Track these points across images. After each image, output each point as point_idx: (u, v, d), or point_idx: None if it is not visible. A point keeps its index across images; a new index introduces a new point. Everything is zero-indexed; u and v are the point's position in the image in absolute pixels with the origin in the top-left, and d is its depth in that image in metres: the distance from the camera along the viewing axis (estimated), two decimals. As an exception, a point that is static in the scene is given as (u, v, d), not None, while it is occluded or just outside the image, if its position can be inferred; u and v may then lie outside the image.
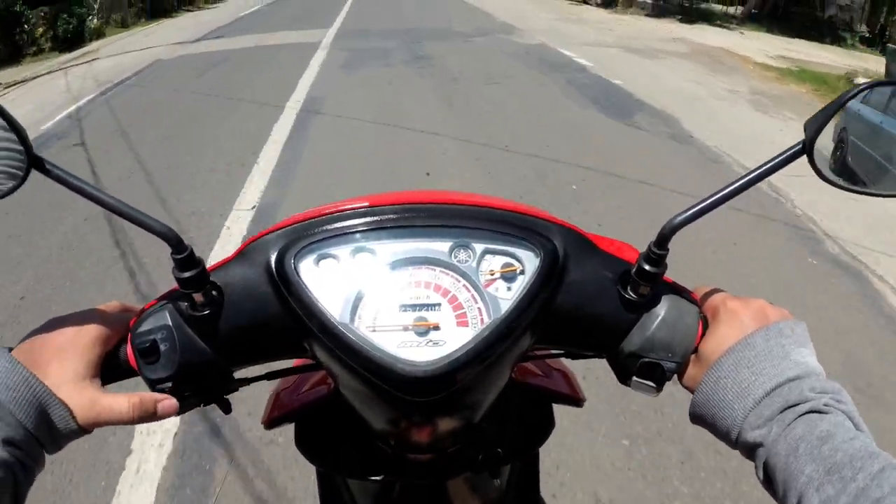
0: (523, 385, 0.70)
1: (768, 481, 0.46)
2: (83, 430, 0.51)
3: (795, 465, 0.42)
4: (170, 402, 0.53)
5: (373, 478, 0.67)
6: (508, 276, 0.51)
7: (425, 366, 0.47)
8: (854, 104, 0.53)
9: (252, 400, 2.00)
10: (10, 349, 0.49)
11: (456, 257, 0.52)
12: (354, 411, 0.59)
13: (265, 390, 0.73)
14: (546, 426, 0.71)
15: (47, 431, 0.48)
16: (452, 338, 0.49)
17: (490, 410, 0.59)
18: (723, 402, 0.49)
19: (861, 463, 0.40)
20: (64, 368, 0.49)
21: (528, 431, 0.69)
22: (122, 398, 0.51)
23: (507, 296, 0.50)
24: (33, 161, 0.47)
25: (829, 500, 0.40)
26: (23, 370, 0.47)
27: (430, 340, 0.49)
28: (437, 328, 0.49)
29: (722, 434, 0.50)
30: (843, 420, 0.44)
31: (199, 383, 0.54)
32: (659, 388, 0.54)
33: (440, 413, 0.52)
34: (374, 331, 0.49)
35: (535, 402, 0.71)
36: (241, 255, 0.53)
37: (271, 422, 0.71)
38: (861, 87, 0.54)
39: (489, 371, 0.51)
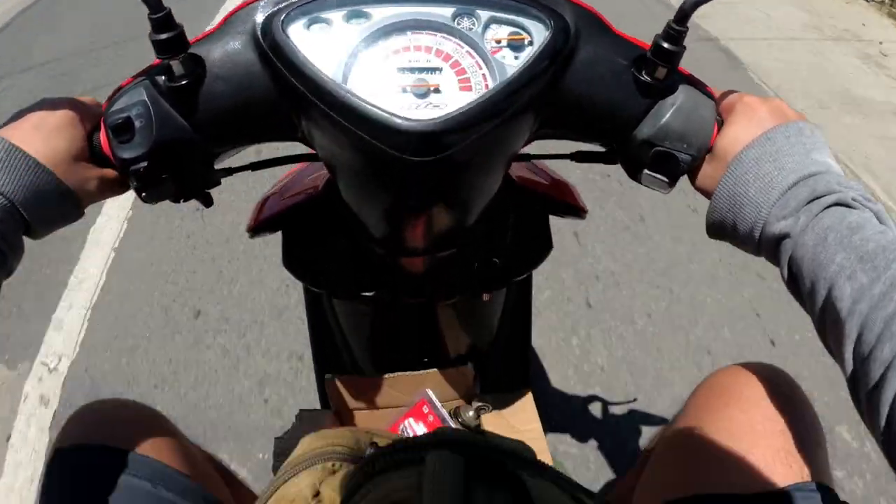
0: (522, 189, 0.67)
1: (793, 279, 0.44)
2: (80, 210, 0.49)
3: (825, 254, 0.40)
4: None
5: (362, 294, 0.66)
6: (515, 45, 0.47)
7: (426, 122, 0.43)
8: None
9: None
10: None
11: (459, 24, 0.48)
12: (347, 210, 0.56)
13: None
14: (543, 244, 0.69)
15: (39, 212, 0.46)
16: (454, 100, 0.45)
17: (485, 215, 0.57)
18: (745, 196, 0.46)
19: (894, 254, 0.38)
20: (54, 145, 0.46)
21: (525, 250, 0.68)
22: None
23: (514, 63, 0.47)
24: None
25: (862, 289, 0.37)
26: (15, 148, 0.44)
27: (430, 103, 0.45)
28: (437, 90, 0.46)
29: (745, 233, 0.47)
30: (871, 216, 0.42)
31: (177, 165, 0.50)
32: (672, 183, 0.52)
33: (436, 192, 0.50)
34: (370, 92, 0.45)
35: (533, 217, 0.69)
36: (225, 24, 0.49)
37: (256, 227, 0.68)
38: None
39: (490, 148, 0.48)
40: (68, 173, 0.47)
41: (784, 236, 0.44)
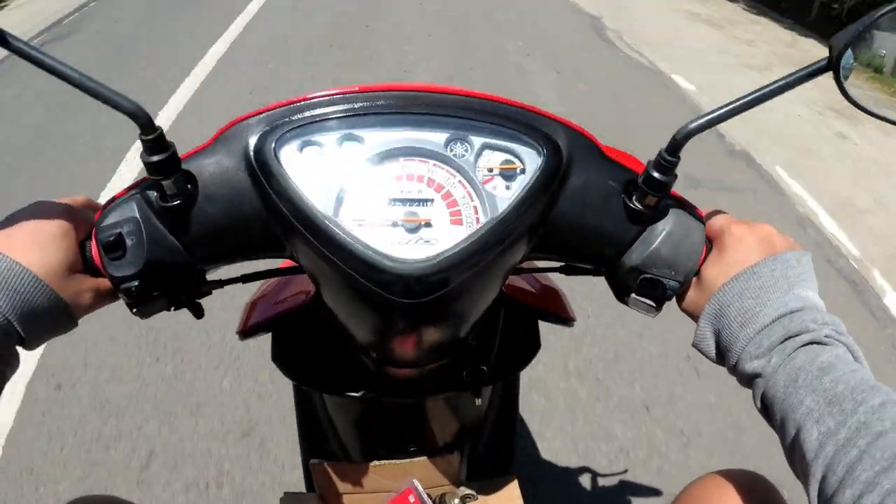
0: (512, 300, 0.68)
1: (765, 411, 0.45)
2: (74, 322, 0.49)
3: (795, 395, 0.42)
4: None
5: (351, 394, 0.65)
6: (508, 174, 0.48)
7: (415, 264, 0.43)
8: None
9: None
10: None
11: (452, 151, 0.48)
12: (335, 320, 0.56)
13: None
14: (532, 346, 0.69)
15: (34, 325, 0.45)
16: (445, 236, 0.45)
17: (477, 325, 0.57)
18: (725, 329, 0.47)
19: (862, 396, 0.39)
20: (48, 257, 0.46)
21: (513, 351, 0.68)
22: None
23: (506, 195, 0.47)
24: None
25: (828, 433, 0.39)
26: (7, 259, 0.44)
27: (421, 238, 0.45)
28: (428, 225, 0.46)
29: (721, 360, 0.49)
30: (844, 352, 0.43)
31: (168, 283, 0.50)
32: (658, 308, 0.52)
33: (426, 321, 0.49)
34: (360, 225, 0.45)
35: (523, 319, 0.69)
36: (217, 141, 0.49)
37: (246, 331, 0.68)
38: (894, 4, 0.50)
39: (481, 277, 0.48)
40: (63, 286, 0.47)
41: (757, 375, 0.45)
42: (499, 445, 0.91)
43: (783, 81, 0.46)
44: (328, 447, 0.86)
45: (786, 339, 0.44)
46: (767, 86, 0.46)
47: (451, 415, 0.79)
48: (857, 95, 0.50)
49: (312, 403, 0.84)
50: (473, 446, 0.86)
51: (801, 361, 0.43)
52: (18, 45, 0.42)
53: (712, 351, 0.49)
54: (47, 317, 0.46)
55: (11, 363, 0.45)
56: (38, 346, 0.47)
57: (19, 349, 0.46)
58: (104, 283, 0.50)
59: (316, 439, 0.87)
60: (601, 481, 1.42)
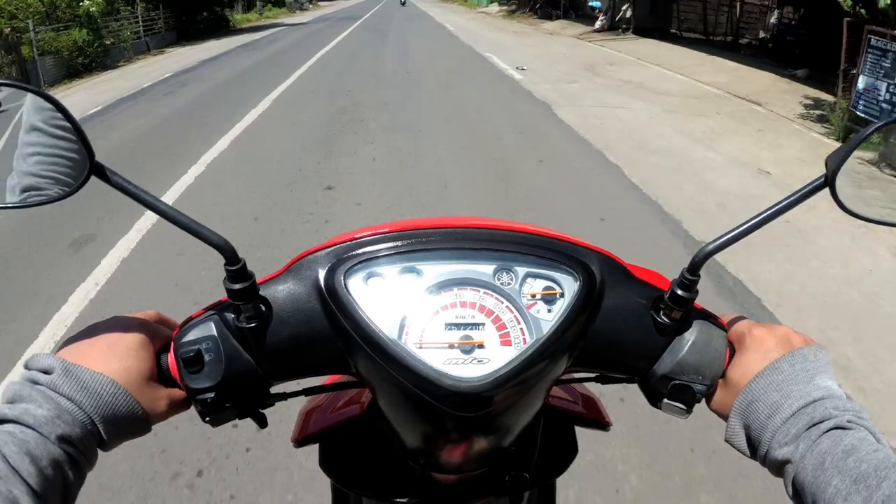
0: (551, 408, 0.71)
1: (797, 496, 0.48)
2: (149, 427, 0.53)
3: (823, 478, 0.44)
4: None
5: (396, 500, 0.68)
6: (549, 299, 0.53)
7: (471, 381, 0.48)
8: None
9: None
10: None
11: (499, 279, 0.54)
12: (387, 429, 0.60)
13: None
14: (569, 451, 0.72)
15: (114, 429, 0.49)
16: (496, 356, 0.50)
17: (518, 435, 0.60)
18: (754, 422, 0.51)
19: (885, 472, 0.42)
20: (127, 367, 0.51)
21: (552, 456, 0.70)
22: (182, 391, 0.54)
23: (548, 317, 0.52)
24: (94, 168, 0.49)
25: None
26: (93, 373, 0.49)
27: (475, 358, 0.50)
28: (481, 346, 0.51)
29: (752, 452, 0.52)
30: (866, 435, 0.47)
31: (239, 396, 0.55)
32: (689, 410, 0.56)
33: (476, 432, 0.53)
34: (420, 347, 0.50)
35: (561, 426, 0.72)
36: (289, 270, 0.55)
37: (301, 440, 0.72)
38: (880, 123, 0.56)
39: (528, 391, 0.52)
40: (140, 394, 0.51)
41: (786, 461, 0.48)
42: None
43: (785, 202, 0.52)
44: None
45: (811, 427, 0.47)
46: (771, 207, 0.52)
47: None
48: (855, 207, 0.55)
49: None
50: None
51: (826, 446, 0.46)
52: (117, 180, 0.49)
53: (744, 445, 0.53)
54: (126, 422, 0.50)
55: (91, 461, 0.49)
56: (114, 447, 0.51)
57: (98, 449, 0.50)
58: (177, 393, 0.54)
59: None
60: None
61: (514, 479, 0.64)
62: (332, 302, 0.52)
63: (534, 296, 0.53)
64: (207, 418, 0.54)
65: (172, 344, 0.54)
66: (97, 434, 0.48)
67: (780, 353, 0.53)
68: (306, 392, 0.67)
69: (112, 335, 0.52)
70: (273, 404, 0.60)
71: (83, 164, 0.49)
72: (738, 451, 0.54)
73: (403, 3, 43.26)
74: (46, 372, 0.48)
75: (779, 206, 0.52)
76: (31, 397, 0.46)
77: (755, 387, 0.52)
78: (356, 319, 0.51)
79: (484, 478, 0.63)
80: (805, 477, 0.46)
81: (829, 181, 0.51)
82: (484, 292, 0.53)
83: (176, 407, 0.55)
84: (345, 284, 0.52)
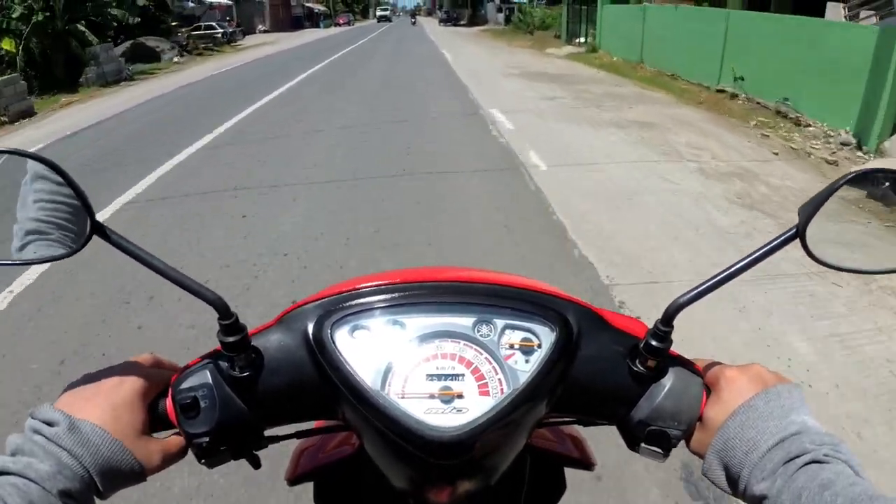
0: (537, 450, 0.73)
1: None
2: (144, 478, 0.55)
3: None
4: None
5: None
6: (526, 350, 0.56)
7: (450, 431, 0.51)
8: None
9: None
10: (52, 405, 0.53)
11: (479, 331, 0.56)
12: (376, 471, 0.62)
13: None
14: (558, 489, 0.74)
15: (111, 481, 0.52)
16: (475, 406, 0.53)
17: (506, 473, 0.63)
18: (732, 459, 0.52)
19: None
20: (125, 421, 0.53)
21: (541, 494, 0.73)
22: (176, 440, 0.57)
23: (526, 368, 0.55)
24: (95, 227, 0.52)
25: None
26: (93, 426, 0.51)
27: (455, 408, 0.53)
28: (460, 396, 0.53)
29: (732, 489, 0.54)
30: (843, 468, 0.47)
31: (233, 439, 0.57)
32: (666, 454, 0.58)
33: (460, 475, 0.56)
34: (402, 398, 0.53)
35: (548, 466, 0.74)
36: (281, 322, 0.58)
37: (294, 479, 0.74)
38: (853, 173, 0.58)
39: (507, 436, 0.55)
40: (137, 447, 0.53)
41: (763, 497, 0.49)
42: None
43: (758, 253, 0.54)
44: None
45: (787, 462, 0.48)
46: (742, 260, 0.54)
47: None
48: (824, 256, 0.57)
49: None
50: None
51: (802, 481, 0.47)
52: (117, 239, 0.52)
53: (723, 481, 0.54)
54: (123, 474, 0.53)
55: None
56: (110, 496, 0.54)
57: (96, 498, 0.52)
58: (172, 443, 0.57)
59: None
60: None
61: None
62: (320, 353, 0.55)
63: (512, 346, 0.56)
64: (203, 460, 0.57)
65: (171, 389, 0.57)
66: (94, 486, 0.50)
67: (755, 391, 0.54)
68: (298, 435, 0.70)
69: (110, 384, 0.55)
70: (266, 446, 0.62)
71: (84, 225, 0.52)
72: (717, 486, 0.55)
73: (414, 23, 39.96)
74: (50, 424, 0.50)
75: (750, 258, 0.54)
76: (34, 451, 0.48)
77: (731, 425, 0.53)
78: (341, 370, 0.53)
79: None
80: None
81: (799, 232, 0.53)
82: (464, 344, 0.56)
83: (171, 458, 0.57)
84: (331, 337, 0.55)
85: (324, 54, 20.99)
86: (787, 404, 0.53)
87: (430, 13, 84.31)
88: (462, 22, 48.78)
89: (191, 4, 37.46)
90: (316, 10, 54.96)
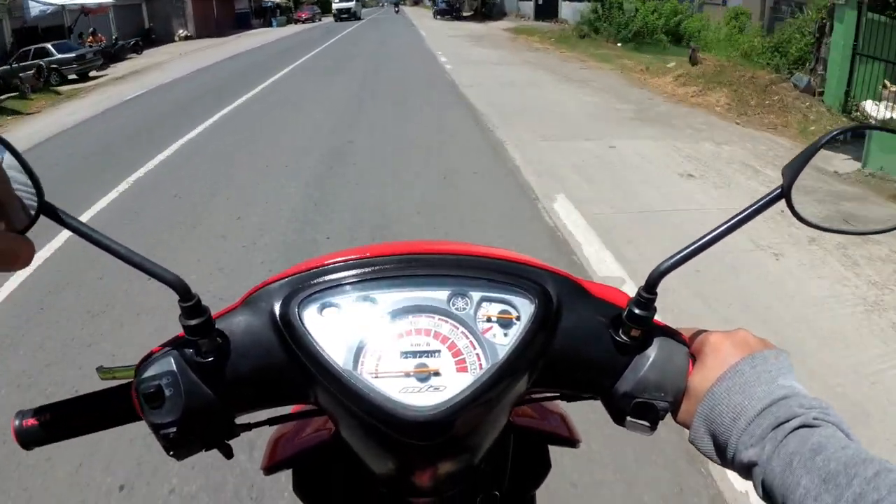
0: (520, 427, 0.71)
1: (768, 498, 0.47)
2: None
3: (791, 479, 0.44)
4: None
5: None
6: (505, 323, 0.53)
7: (427, 410, 0.48)
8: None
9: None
10: None
11: (454, 305, 0.54)
12: (354, 455, 0.60)
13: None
14: (542, 468, 0.72)
15: None
16: (452, 383, 0.50)
17: (488, 452, 0.60)
18: (719, 426, 0.51)
19: (855, 469, 0.42)
20: None
21: (525, 473, 0.70)
22: None
23: (504, 341, 0.52)
24: (43, 207, 0.48)
25: None
26: None
27: (431, 386, 0.50)
28: (437, 374, 0.51)
29: (720, 457, 0.52)
30: (834, 431, 0.46)
31: (202, 428, 0.55)
32: (653, 427, 0.56)
33: (441, 456, 0.53)
34: (376, 377, 0.50)
35: (532, 444, 0.72)
36: (246, 303, 0.55)
37: (270, 467, 0.72)
38: (835, 131, 0.57)
39: (488, 414, 0.52)
40: None
41: (753, 464, 0.48)
42: None
43: (742, 215, 0.52)
44: None
45: (776, 427, 0.47)
46: (727, 221, 0.52)
47: None
48: (809, 216, 0.56)
49: None
50: None
51: (793, 446, 0.45)
52: (71, 221, 0.49)
53: (710, 449, 0.52)
54: None
55: None
56: None
57: None
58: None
59: None
60: None
61: (486, 499, 0.64)
62: (288, 334, 0.52)
63: (489, 319, 0.53)
64: (171, 452, 0.54)
65: (133, 380, 0.54)
66: None
67: (739, 356, 0.53)
68: (271, 421, 0.67)
69: None
70: (238, 434, 0.60)
71: (30, 204, 0.49)
72: (704, 454, 0.54)
73: (397, 11, 32.78)
74: None
75: (734, 220, 0.52)
76: None
77: (717, 391, 0.51)
78: (310, 351, 0.51)
79: (457, 498, 0.63)
80: (773, 478, 0.45)
81: (784, 192, 0.51)
82: (439, 318, 0.53)
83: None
84: (299, 316, 0.52)
85: (237, 87, 11.57)
86: (773, 369, 0.51)
87: (417, 1, 69.06)
88: (466, 14, 34.69)
89: (38, 10, 20.32)
90: (269, 4, 42.05)
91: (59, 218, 0.49)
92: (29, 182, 0.48)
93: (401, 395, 0.49)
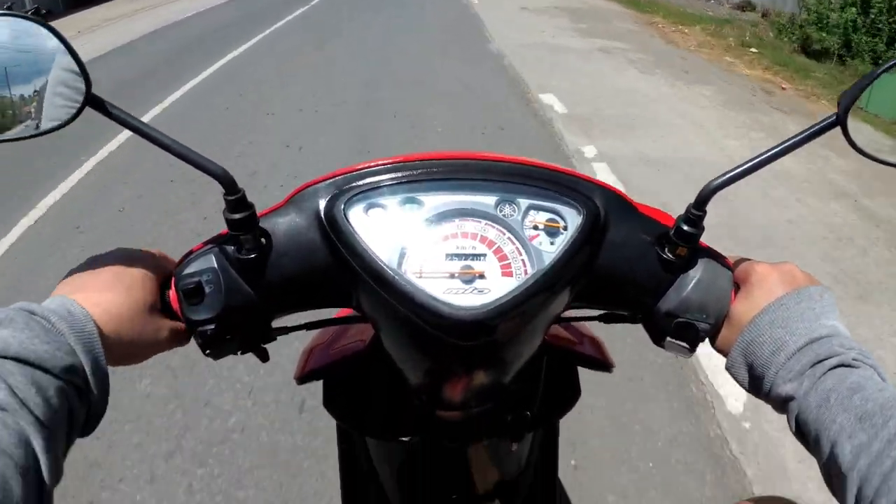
0: (553, 348, 0.71)
1: (801, 434, 0.48)
2: (148, 356, 0.53)
3: (827, 415, 0.44)
4: None
5: (400, 438, 0.68)
6: (551, 231, 0.53)
7: (471, 310, 0.48)
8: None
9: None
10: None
11: (501, 211, 0.53)
12: (390, 365, 0.60)
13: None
14: (572, 394, 0.72)
15: (114, 356, 0.49)
16: (497, 286, 0.50)
17: (521, 372, 0.60)
18: (758, 358, 0.50)
19: (891, 411, 0.41)
20: (128, 302, 0.50)
21: (554, 397, 0.71)
22: (182, 326, 0.54)
23: (551, 249, 0.52)
24: (90, 100, 0.48)
25: (861, 447, 0.41)
26: (95, 302, 0.48)
27: (476, 288, 0.50)
28: (482, 277, 0.51)
29: (756, 390, 0.52)
30: (872, 374, 0.46)
31: (240, 328, 0.55)
32: (692, 349, 0.55)
33: (477, 363, 0.53)
34: (420, 277, 0.50)
35: (563, 367, 0.72)
36: (290, 202, 0.55)
37: (303, 377, 0.72)
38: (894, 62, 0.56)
39: (528, 324, 0.52)
40: (143, 324, 0.51)
41: (790, 398, 0.48)
42: (539, 496, 0.92)
43: (795, 139, 0.51)
44: (369, 496, 0.87)
45: (816, 364, 0.47)
46: (780, 144, 0.51)
47: (493, 464, 0.81)
48: (864, 145, 0.55)
49: (356, 454, 0.86)
50: (513, 497, 0.87)
51: (831, 383, 0.45)
52: (118, 112, 0.48)
53: (745, 378, 0.52)
54: (124, 350, 0.50)
55: (97, 389, 0.47)
56: (118, 366, 0.51)
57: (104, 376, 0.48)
58: (179, 325, 0.54)
59: (358, 491, 0.89)
60: None
61: (516, 417, 0.64)
62: (332, 232, 0.52)
63: (536, 227, 0.53)
64: (208, 350, 0.54)
65: (174, 278, 0.54)
66: (97, 363, 0.47)
67: (785, 290, 0.52)
68: (308, 326, 0.67)
69: (117, 267, 0.52)
70: (275, 338, 0.60)
71: (78, 95, 0.48)
72: (738, 383, 0.54)
73: None
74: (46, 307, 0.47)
75: (786, 143, 0.51)
76: (30, 327, 0.44)
77: (760, 322, 0.51)
78: (355, 249, 0.50)
79: (487, 416, 0.64)
80: (809, 414, 0.46)
81: (840, 119, 0.50)
82: (486, 223, 0.53)
83: (178, 339, 0.55)
84: (345, 214, 0.52)
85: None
86: (818, 307, 0.51)
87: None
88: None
89: None
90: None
91: (106, 110, 0.48)
92: (78, 73, 0.48)
93: (445, 294, 0.49)
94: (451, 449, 0.76)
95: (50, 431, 0.41)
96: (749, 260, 0.58)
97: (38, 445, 0.40)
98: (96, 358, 0.47)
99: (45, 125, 0.49)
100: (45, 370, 0.42)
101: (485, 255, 0.51)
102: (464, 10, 10.54)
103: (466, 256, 0.51)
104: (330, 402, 0.70)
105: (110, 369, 0.49)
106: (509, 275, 0.51)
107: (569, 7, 10.44)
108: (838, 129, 0.50)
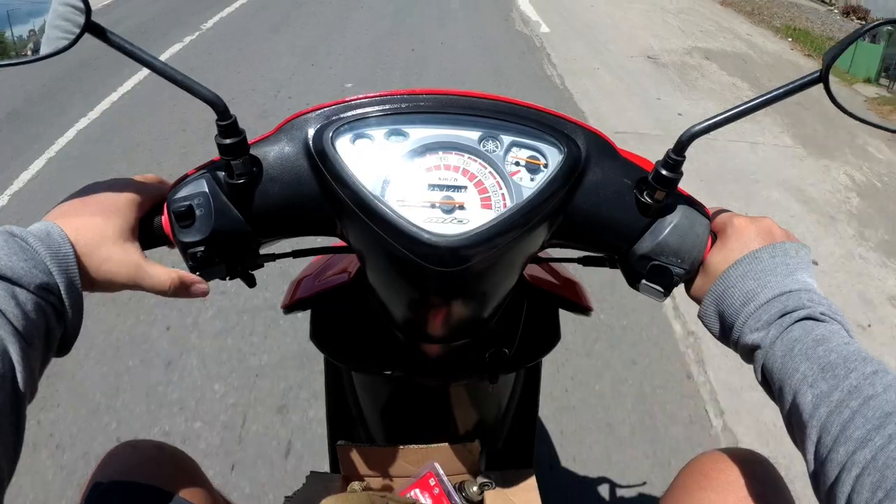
0: (535, 288, 0.73)
1: (766, 383, 0.49)
2: (125, 281, 0.53)
3: (791, 364, 0.45)
4: (202, 286, 0.56)
5: (381, 372, 0.71)
6: (532, 168, 0.54)
7: (450, 237, 0.50)
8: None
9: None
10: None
11: (484, 146, 0.55)
12: (373, 298, 0.62)
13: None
14: (552, 336, 0.74)
15: (90, 280, 0.50)
16: (476, 217, 0.52)
17: (500, 310, 0.63)
18: (728, 307, 0.52)
19: (854, 364, 0.43)
20: (106, 226, 0.51)
21: (535, 339, 0.73)
22: (162, 270, 0.54)
23: (530, 185, 0.53)
24: (89, 26, 0.49)
25: (822, 395, 0.42)
26: (59, 230, 0.49)
27: (455, 218, 0.52)
28: (462, 207, 0.52)
29: (724, 337, 0.54)
30: (838, 328, 0.47)
31: (229, 252, 0.57)
32: (666, 293, 0.57)
33: (456, 293, 0.55)
34: (403, 205, 0.52)
35: (544, 309, 0.75)
36: (280, 131, 0.56)
37: (290, 306, 0.75)
38: (879, 22, 0.57)
39: (505, 256, 0.54)
40: (121, 250, 0.52)
41: (756, 346, 0.49)
42: (518, 439, 0.95)
43: (776, 92, 0.52)
44: (354, 431, 0.91)
45: (783, 315, 0.48)
46: (762, 95, 0.52)
47: (474, 403, 0.84)
48: (845, 102, 0.56)
49: (342, 387, 0.89)
50: (494, 438, 0.90)
51: (797, 334, 0.47)
52: (116, 39, 0.50)
53: (716, 328, 0.54)
54: (103, 275, 0.51)
55: (72, 310, 0.48)
56: (94, 291, 0.52)
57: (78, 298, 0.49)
58: (159, 271, 0.54)
59: (343, 422, 0.93)
60: (619, 492, 1.43)
61: (494, 355, 0.67)
62: (320, 160, 0.53)
63: (518, 163, 0.54)
64: (198, 272, 0.57)
65: (166, 202, 0.56)
66: (71, 283, 0.48)
67: (761, 243, 0.54)
68: (295, 254, 0.69)
69: (104, 194, 0.54)
70: (262, 265, 0.62)
71: (77, 21, 0.49)
72: (709, 331, 0.55)
73: None
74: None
75: (769, 95, 0.52)
76: (9, 245, 0.45)
77: (733, 273, 0.52)
78: (341, 176, 0.52)
79: (467, 351, 0.66)
80: (774, 362, 0.47)
81: (822, 76, 0.51)
82: (468, 157, 0.54)
83: (154, 279, 0.54)
84: (332, 144, 0.53)
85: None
86: (792, 263, 0.52)
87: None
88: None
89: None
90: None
91: (105, 37, 0.50)
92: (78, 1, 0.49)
93: (425, 223, 0.51)
94: (433, 387, 0.79)
95: (27, 343, 0.43)
96: (728, 211, 0.59)
97: (15, 355, 0.41)
98: (71, 279, 0.48)
99: (44, 50, 0.51)
100: (22, 286, 0.44)
101: (466, 187, 0.53)
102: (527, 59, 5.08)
103: (448, 188, 0.53)
104: (316, 335, 0.73)
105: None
106: (489, 207, 0.53)
107: (724, 52, 5.51)
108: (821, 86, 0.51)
